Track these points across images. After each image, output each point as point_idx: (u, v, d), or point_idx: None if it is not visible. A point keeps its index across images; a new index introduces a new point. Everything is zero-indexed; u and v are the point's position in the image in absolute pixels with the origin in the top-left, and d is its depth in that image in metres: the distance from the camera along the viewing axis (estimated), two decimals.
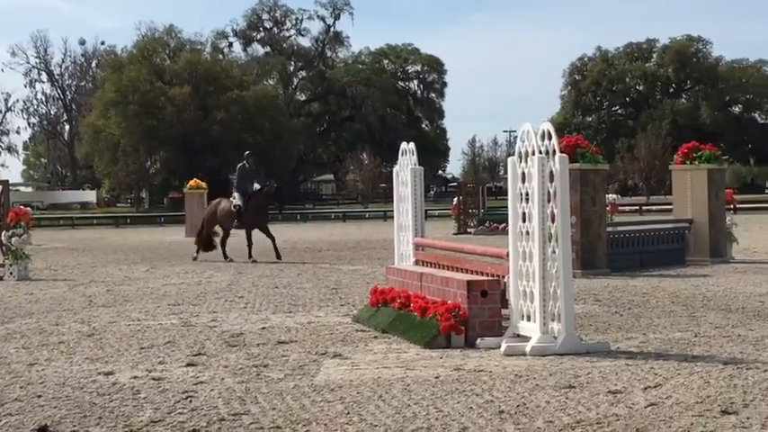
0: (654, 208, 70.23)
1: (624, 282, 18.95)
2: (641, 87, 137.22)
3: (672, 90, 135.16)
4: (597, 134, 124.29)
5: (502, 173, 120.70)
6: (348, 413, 8.10)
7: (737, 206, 45.71)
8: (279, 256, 26.77)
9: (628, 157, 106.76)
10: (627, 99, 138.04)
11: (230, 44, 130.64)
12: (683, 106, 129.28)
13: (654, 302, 15.67)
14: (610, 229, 22.78)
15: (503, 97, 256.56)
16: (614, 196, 54.11)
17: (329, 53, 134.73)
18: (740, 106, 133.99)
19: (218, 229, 28.84)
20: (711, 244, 23.29)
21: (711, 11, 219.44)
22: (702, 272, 20.90)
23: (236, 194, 27.87)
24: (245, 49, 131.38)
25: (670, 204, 28.04)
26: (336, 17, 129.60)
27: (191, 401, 8.68)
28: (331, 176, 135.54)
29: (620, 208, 53.41)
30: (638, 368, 9.82)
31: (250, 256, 26.97)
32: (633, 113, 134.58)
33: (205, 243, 28.17)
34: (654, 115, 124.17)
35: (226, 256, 27.22)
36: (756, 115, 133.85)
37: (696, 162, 23.95)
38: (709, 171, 23.80)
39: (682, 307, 14.98)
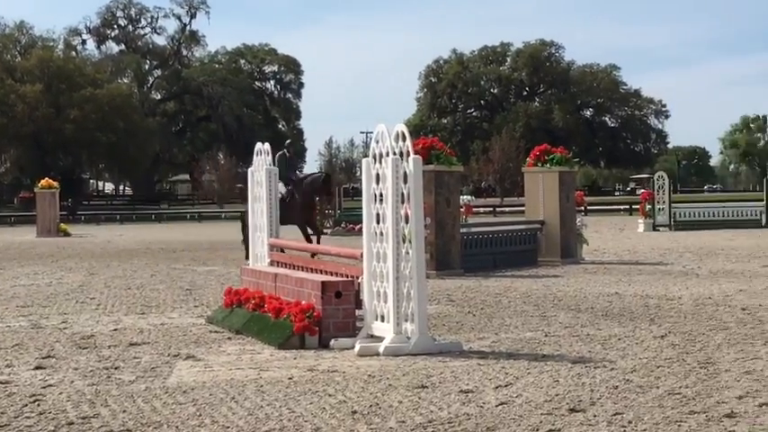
0: (507, 209, 71.26)
1: (477, 282, 19.18)
2: (496, 90, 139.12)
3: (525, 93, 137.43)
4: (452, 136, 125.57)
5: (358, 174, 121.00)
6: (200, 415, 8.02)
7: (588, 208, 46.82)
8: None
9: (482, 158, 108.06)
10: (482, 102, 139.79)
11: (84, 41, 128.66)
12: (537, 109, 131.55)
13: (506, 302, 15.89)
14: (464, 230, 23.01)
15: (360, 98, 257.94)
16: (468, 198, 54.64)
17: (185, 52, 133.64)
18: (591, 110, 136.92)
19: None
20: (562, 245, 23.75)
21: (564, 15, 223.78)
22: (553, 272, 21.28)
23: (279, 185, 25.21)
24: (98, 47, 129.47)
25: (523, 206, 28.48)
26: (192, 16, 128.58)
27: (38, 405, 8.48)
28: (187, 176, 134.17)
29: (474, 209, 54.06)
30: (489, 367, 9.94)
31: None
32: (488, 116, 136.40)
33: None
34: (508, 118, 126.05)
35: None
36: (606, 119, 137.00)
37: (548, 164, 24.39)
38: (561, 173, 24.27)
39: (533, 307, 15.22)
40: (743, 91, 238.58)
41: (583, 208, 30.98)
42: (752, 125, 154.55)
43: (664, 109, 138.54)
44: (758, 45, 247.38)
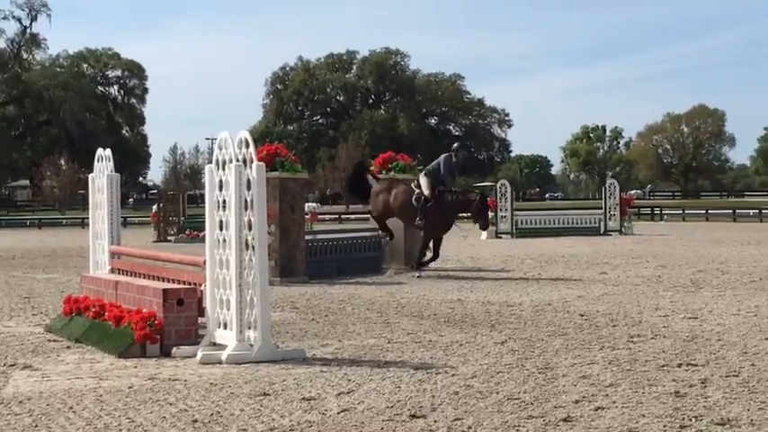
0: (353, 216, 71.39)
1: (322, 289, 19.18)
2: (342, 98, 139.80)
3: (371, 101, 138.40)
4: (299, 143, 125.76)
5: (203, 180, 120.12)
6: (37, 426, 7.84)
7: None
8: (415, 266, 22.20)
9: (328, 166, 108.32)
10: (328, 109, 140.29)
11: None
12: (382, 117, 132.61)
13: (350, 310, 15.92)
14: (309, 237, 22.99)
15: (206, 105, 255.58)
16: (314, 205, 54.72)
17: (26, 55, 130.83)
18: (436, 118, 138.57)
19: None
20: (406, 252, 23.87)
21: (409, 24, 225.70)
22: (398, 279, 21.42)
23: (423, 180, 22.11)
24: None
25: (369, 213, 28.54)
26: (33, 18, 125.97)
27: None
28: (27, 182, 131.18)
29: (319, 216, 54.13)
30: (332, 374, 9.95)
31: (419, 266, 22.19)
32: (334, 123, 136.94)
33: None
34: (354, 125, 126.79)
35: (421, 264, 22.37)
36: (451, 127, 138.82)
37: (392, 172, 24.53)
38: (405, 182, 24.35)
39: (377, 314, 15.28)
40: (583, 101, 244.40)
41: None
42: (591, 135, 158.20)
43: (507, 118, 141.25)
44: (597, 57, 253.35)
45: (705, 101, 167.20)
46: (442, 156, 22.61)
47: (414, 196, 21.84)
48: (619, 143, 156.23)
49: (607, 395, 8.86)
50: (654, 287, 18.90)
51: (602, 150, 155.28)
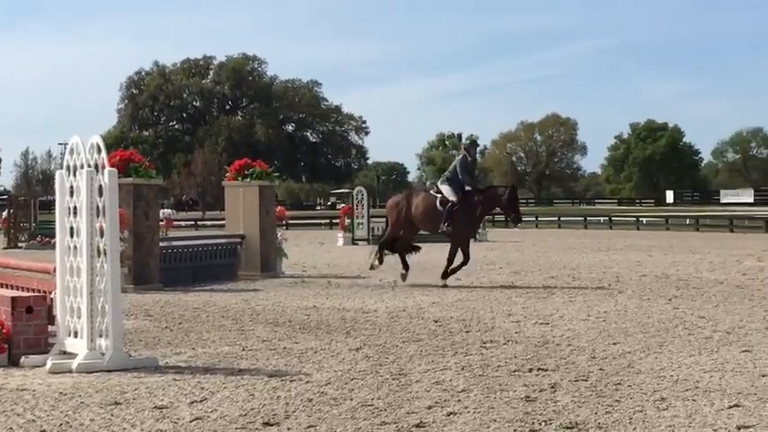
0: (209, 223, 70.98)
1: (176, 297, 18.97)
2: (198, 103, 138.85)
3: (228, 107, 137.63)
4: (154, 149, 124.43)
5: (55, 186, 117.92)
6: None
7: (289, 222, 47.12)
8: (448, 275, 21.04)
9: (184, 172, 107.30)
10: (184, 115, 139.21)
11: None
12: (239, 123, 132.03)
13: (204, 317, 15.78)
14: (163, 243, 22.69)
15: (60, 108, 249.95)
16: (169, 211, 54.09)
17: None
18: (293, 125, 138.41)
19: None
20: (262, 259, 23.82)
21: (265, 30, 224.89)
22: (253, 286, 21.28)
23: (445, 188, 21.10)
24: None
25: (224, 220, 28.31)
26: None
27: None
28: None
29: (175, 223, 53.56)
30: (185, 383, 9.85)
31: (450, 274, 21.11)
32: (190, 129, 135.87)
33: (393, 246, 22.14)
34: (210, 131, 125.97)
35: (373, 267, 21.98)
36: (308, 134, 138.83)
37: (248, 178, 24.42)
38: (261, 187, 24.37)
39: (231, 321, 15.18)
40: (439, 109, 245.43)
41: (284, 222, 31.12)
42: (447, 142, 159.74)
43: (364, 125, 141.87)
44: (453, 65, 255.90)
45: (558, 110, 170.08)
46: (457, 158, 21.69)
47: (438, 201, 20.90)
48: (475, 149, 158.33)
49: (459, 400, 8.96)
50: (507, 293, 19.13)
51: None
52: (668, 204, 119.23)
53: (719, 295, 18.71)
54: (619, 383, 9.74)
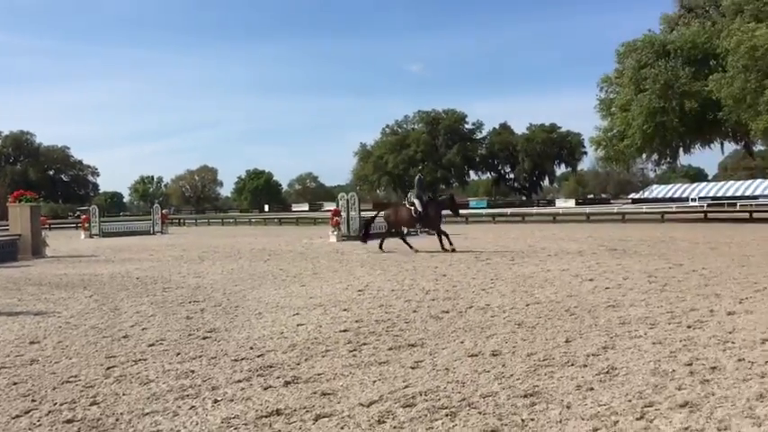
0: None
1: None
2: None
3: (11, 161, 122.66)
4: None
5: None
6: None
7: (51, 225, 43.14)
8: (452, 248, 18.54)
9: None
10: None
11: None
12: (19, 170, 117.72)
13: None
14: None
15: None
16: None
17: None
18: (53, 170, 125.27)
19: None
20: (33, 248, 21.81)
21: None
22: (27, 264, 19.35)
23: (415, 201, 19.55)
24: None
25: (7, 227, 25.32)
26: None
27: None
28: None
29: None
30: None
31: (443, 247, 18.60)
32: None
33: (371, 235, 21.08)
34: (1, 175, 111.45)
35: (411, 246, 19.11)
36: (62, 176, 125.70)
37: (23, 201, 22.48)
38: (31, 207, 22.40)
39: (12, 283, 13.75)
40: (142, 160, 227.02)
41: (47, 226, 28.50)
42: (146, 180, 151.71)
43: (96, 170, 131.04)
44: (155, 134, 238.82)
45: (206, 162, 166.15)
46: (416, 180, 20.39)
47: (413, 211, 19.49)
48: (161, 184, 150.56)
49: (150, 321, 8.74)
50: (178, 262, 18.47)
51: (152, 188, 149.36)
52: None
53: (289, 255, 18.51)
54: (237, 306, 9.84)
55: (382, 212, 21.52)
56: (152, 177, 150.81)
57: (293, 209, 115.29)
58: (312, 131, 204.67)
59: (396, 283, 11.79)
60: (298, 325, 8.20)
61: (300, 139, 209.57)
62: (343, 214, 27.60)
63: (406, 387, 5.51)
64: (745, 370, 5.73)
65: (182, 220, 70.45)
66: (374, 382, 5.69)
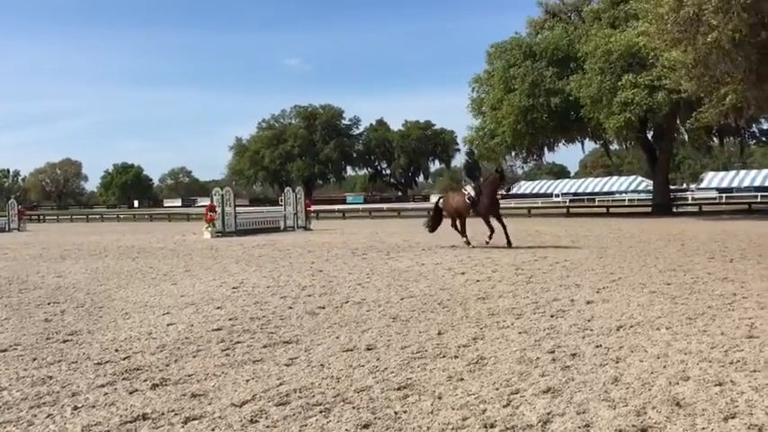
0: None
1: None
2: None
3: None
4: None
5: None
6: None
7: None
8: (509, 243, 16.67)
9: None
10: None
11: None
12: None
13: None
14: None
15: None
16: None
17: None
18: None
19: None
20: None
21: None
22: None
23: (468, 188, 17.40)
24: None
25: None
26: None
27: None
28: None
29: None
30: None
31: (509, 242, 16.72)
32: None
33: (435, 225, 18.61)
34: None
35: (468, 242, 17.37)
36: None
37: None
38: None
39: None
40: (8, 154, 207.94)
41: None
42: (1, 173, 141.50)
43: None
44: (21, 123, 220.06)
45: (69, 155, 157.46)
46: (463, 163, 18.85)
47: (466, 197, 17.28)
48: (18, 178, 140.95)
49: (2, 325, 8.17)
50: (37, 261, 17.31)
51: (7, 182, 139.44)
52: None
53: (160, 253, 18.09)
54: (101, 307, 9.39)
55: (441, 201, 19.09)
56: (7, 171, 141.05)
57: (165, 204, 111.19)
58: (185, 125, 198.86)
59: (271, 280, 11.64)
60: (168, 325, 7.92)
61: (173, 132, 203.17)
62: (218, 210, 27.00)
63: (281, 385, 5.44)
64: (601, 356, 6.09)
65: (42, 217, 66.14)
66: (247, 381, 5.58)
